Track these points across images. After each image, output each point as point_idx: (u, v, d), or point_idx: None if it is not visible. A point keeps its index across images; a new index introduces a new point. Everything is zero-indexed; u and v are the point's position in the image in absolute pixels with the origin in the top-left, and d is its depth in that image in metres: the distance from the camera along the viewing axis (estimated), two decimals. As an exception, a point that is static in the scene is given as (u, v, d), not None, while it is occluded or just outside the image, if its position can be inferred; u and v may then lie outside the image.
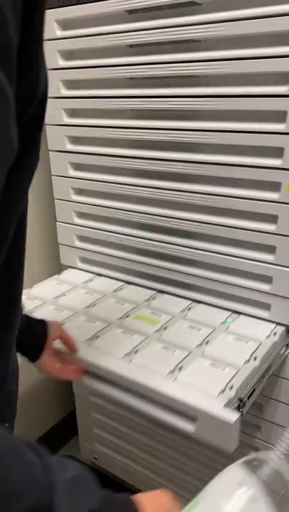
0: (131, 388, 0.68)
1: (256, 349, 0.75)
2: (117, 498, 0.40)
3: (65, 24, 0.87)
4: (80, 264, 1.08)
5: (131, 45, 0.81)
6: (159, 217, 0.89)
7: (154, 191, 0.87)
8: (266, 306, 0.82)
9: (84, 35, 0.85)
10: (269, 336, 0.78)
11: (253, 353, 0.73)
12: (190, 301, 0.92)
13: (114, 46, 0.82)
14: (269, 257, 0.78)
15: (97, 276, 1.05)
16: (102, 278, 1.05)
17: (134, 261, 0.96)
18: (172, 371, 0.70)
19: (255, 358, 0.72)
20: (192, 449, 1.01)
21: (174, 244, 0.89)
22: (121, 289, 0.99)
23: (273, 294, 0.79)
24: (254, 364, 0.71)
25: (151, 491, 0.46)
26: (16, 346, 0.54)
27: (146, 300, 0.93)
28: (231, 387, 0.65)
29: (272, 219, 0.75)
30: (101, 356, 0.73)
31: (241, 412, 0.63)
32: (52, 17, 0.87)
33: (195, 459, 1.02)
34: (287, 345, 0.81)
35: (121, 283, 1.01)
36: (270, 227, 0.76)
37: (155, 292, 0.96)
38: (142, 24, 0.77)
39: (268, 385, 0.84)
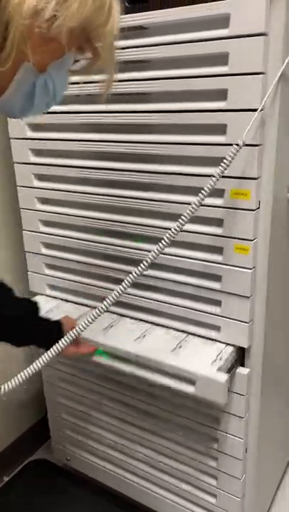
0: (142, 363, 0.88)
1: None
2: None
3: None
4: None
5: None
6: (117, 223, 0.95)
7: (113, 199, 0.93)
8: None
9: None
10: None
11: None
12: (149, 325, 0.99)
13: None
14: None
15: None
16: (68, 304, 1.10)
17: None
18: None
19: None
20: (163, 446, 1.06)
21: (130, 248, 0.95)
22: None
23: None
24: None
25: None
26: (36, 342, 0.85)
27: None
28: (220, 358, 0.85)
29: (218, 223, 0.82)
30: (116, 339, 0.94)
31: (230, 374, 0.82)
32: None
33: (167, 456, 1.07)
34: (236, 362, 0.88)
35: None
36: (217, 230, 0.83)
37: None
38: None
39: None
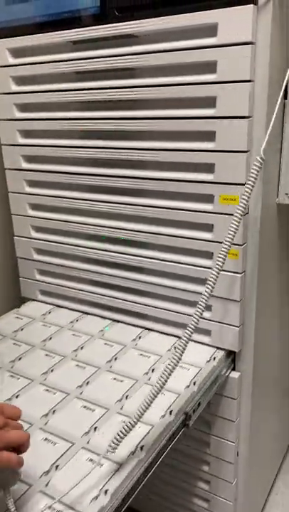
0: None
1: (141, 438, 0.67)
2: None
3: (17, 52, 0.94)
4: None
5: (77, 72, 0.88)
6: (107, 229, 0.95)
7: (104, 205, 0.94)
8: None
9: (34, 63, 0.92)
10: (164, 416, 0.72)
11: (139, 444, 0.65)
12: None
13: (62, 73, 0.89)
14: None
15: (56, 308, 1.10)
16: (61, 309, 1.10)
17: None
18: (47, 472, 0.62)
19: (142, 448, 0.65)
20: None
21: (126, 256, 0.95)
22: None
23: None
24: (140, 455, 0.64)
25: None
26: None
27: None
28: (106, 492, 0.58)
29: (208, 228, 0.83)
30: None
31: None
32: (4, 46, 0.94)
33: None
34: (228, 367, 0.89)
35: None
36: (207, 235, 0.83)
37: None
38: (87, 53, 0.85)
39: (214, 403, 0.91)
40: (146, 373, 0.83)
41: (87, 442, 0.67)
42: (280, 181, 0.87)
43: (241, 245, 0.80)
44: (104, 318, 1.03)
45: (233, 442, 0.93)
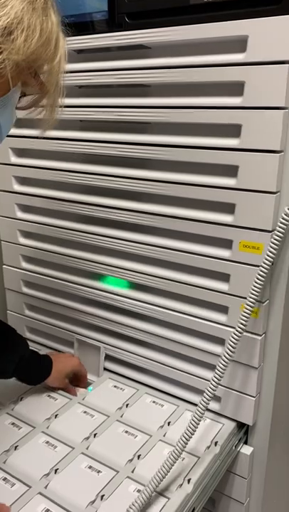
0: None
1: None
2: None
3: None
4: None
5: (80, 87, 0.76)
6: (107, 267, 0.82)
7: (103, 239, 0.81)
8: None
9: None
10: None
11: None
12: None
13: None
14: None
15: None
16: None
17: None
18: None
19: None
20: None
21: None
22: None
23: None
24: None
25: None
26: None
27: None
28: None
29: (224, 278, 0.69)
30: None
31: None
32: None
33: None
34: (239, 440, 0.75)
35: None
36: (222, 286, 0.70)
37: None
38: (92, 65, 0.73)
39: (221, 480, 0.76)
40: (131, 461, 0.66)
41: None
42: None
43: (263, 303, 0.67)
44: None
45: (240, 527, 0.79)
